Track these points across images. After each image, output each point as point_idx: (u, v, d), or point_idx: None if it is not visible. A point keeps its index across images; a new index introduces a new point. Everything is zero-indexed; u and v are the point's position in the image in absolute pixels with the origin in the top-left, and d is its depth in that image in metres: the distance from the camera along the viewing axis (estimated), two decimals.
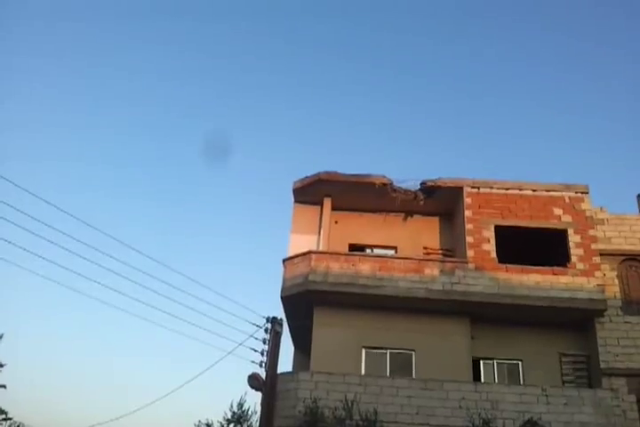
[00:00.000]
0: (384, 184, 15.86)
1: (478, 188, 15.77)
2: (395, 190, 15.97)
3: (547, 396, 12.81)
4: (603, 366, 13.78)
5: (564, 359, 14.47)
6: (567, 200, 15.52)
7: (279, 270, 15.13)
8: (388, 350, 14.06)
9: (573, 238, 15.09)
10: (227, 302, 13.13)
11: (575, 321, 14.56)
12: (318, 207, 16.54)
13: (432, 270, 14.59)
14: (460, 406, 12.46)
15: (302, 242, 15.73)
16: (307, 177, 16.13)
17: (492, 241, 15.04)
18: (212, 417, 12.41)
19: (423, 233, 16.60)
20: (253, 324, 13.41)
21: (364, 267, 14.56)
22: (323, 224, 16.24)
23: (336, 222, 16.54)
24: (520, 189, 15.66)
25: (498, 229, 15.18)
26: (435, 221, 16.84)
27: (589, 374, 14.27)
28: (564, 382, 14.12)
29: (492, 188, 15.75)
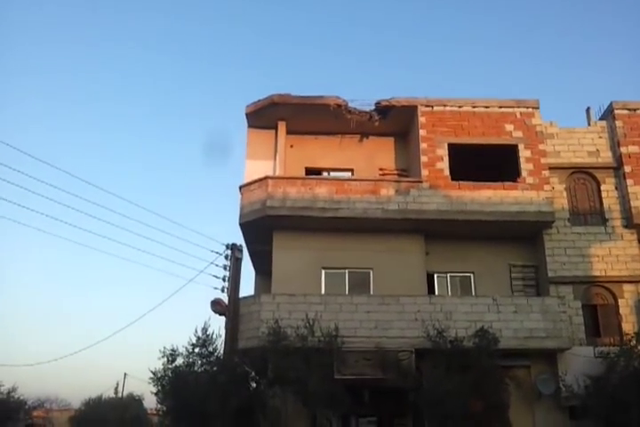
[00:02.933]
0: (338, 105, 15.44)
1: (432, 106, 15.50)
2: (349, 111, 15.56)
3: (497, 305, 13.02)
4: (550, 274, 14.00)
5: (513, 270, 14.70)
6: (518, 116, 15.33)
7: (237, 198, 15.00)
8: (347, 270, 14.18)
9: (524, 153, 15.00)
10: (187, 231, 12.83)
11: (525, 234, 14.68)
12: (273, 131, 16.16)
13: (388, 191, 14.55)
14: (416, 319, 12.65)
15: (258, 168, 15.44)
16: (259, 100, 15.63)
17: (446, 159, 14.96)
18: (178, 343, 12.35)
19: (378, 154, 16.40)
20: (214, 251, 13.25)
21: (321, 190, 14.47)
22: (278, 149, 15.87)
23: (291, 146, 16.17)
24: (473, 107, 15.43)
25: (451, 147, 15.08)
26: (390, 141, 16.60)
27: (537, 283, 14.55)
28: (513, 292, 14.40)
29: (445, 106, 15.49)
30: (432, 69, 43.15)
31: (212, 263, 13.21)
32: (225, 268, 13.48)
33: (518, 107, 15.40)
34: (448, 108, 15.41)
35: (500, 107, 15.40)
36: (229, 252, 13.54)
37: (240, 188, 15.02)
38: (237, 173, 16.14)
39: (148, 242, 12.32)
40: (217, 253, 13.37)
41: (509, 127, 15.22)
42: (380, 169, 16.24)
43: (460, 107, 15.44)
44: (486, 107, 15.40)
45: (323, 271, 14.17)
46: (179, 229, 12.32)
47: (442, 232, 14.40)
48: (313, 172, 16.04)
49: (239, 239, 15.43)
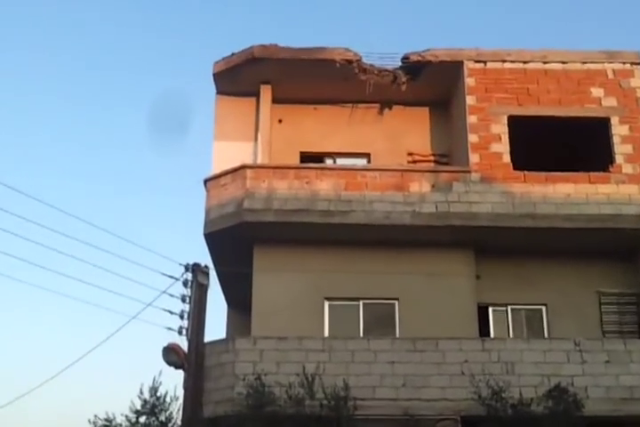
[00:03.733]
0: (348, 61, 15.53)
1: (484, 62, 15.60)
2: (364, 70, 15.69)
3: (581, 352, 12.96)
4: None
5: (604, 301, 14.68)
6: (611, 75, 15.48)
7: (201, 196, 15.15)
8: (361, 301, 14.24)
9: (618, 130, 15.12)
10: (126, 245, 12.90)
11: (621, 248, 14.67)
12: (253, 100, 16.31)
13: (420, 186, 14.61)
14: (463, 373, 12.63)
15: (232, 153, 15.58)
16: (234, 54, 15.72)
17: (505, 139, 15.05)
18: (115, 408, 12.41)
19: (406, 133, 16.47)
20: (167, 275, 13.21)
21: (324, 185, 14.59)
22: (261, 125, 15.99)
23: (280, 122, 16.40)
24: (544, 62, 15.55)
25: (513, 121, 15.11)
26: (422, 114, 16.75)
27: None
28: (604, 333, 14.36)
29: (504, 61, 15.59)
30: (483, 16, 43.09)
31: (164, 293, 13.20)
32: (184, 299, 13.48)
33: (611, 62, 15.51)
34: (508, 65, 15.48)
35: (584, 62, 15.55)
36: (190, 275, 13.53)
37: (205, 182, 15.10)
38: (201, 162, 16.28)
39: (69, 261, 12.27)
40: (172, 277, 13.36)
41: (598, 92, 15.32)
42: (410, 154, 16.35)
43: (525, 62, 15.51)
44: (563, 62, 15.51)
45: (326, 303, 14.29)
46: (113, 241, 12.38)
47: (500, 246, 14.46)
48: (311, 158, 16.11)
49: (204, 257, 15.31)
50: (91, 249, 12.42)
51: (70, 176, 38.20)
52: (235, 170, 14.78)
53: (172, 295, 13.38)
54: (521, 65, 15.50)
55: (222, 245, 14.63)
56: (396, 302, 14.28)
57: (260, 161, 15.46)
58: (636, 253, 14.85)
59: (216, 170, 15.25)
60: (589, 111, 15.16)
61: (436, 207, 14.41)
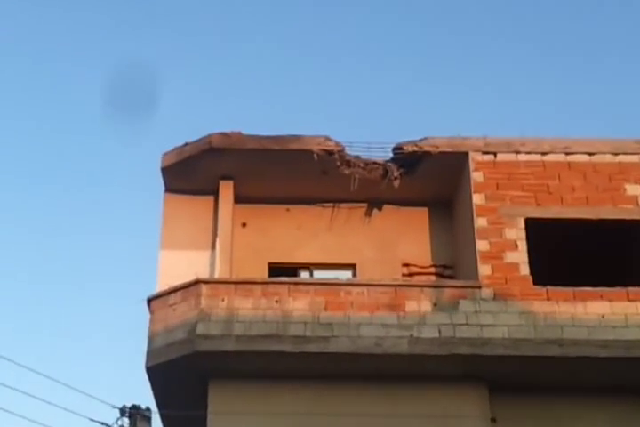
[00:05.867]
0: (329, 152, 15.85)
1: (494, 153, 15.84)
2: (348, 162, 15.96)
3: None
4: None
5: None
6: None
7: (143, 318, 15.10)
8: None
9: None
10: (47, 381, 12.73)
11: None
12: (211, 199, 16.59)
13: (419, 305, 14.55)
14: None
15: (183, 264, 15.73)
16: (187, 144, 16.03)
17: (523, 246, 15.06)
18: None
19: (401, 239, 16.72)
20: (95, 421, 13.00)
21: (299, 304, 14.54)
22: (220, 230, 16.13)
23: (244, 226, 16.69)
24: (567, 154, 15.82)
25: (531, 224, 15.17)
26: (420, 215, 17.02)
27: None
28: None
29: (518, 152, 15.82)
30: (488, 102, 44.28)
31: None
32: None
33: None
34: (523, 157, 15.71)
35: (616, 153, 15.77)
36: (126, 422, 13.33)
37: (149, 301, 15.02)
38: (146, 275, 16.72)
39: None
40: (102, 424, 13.14)
41: (633, 189, 15.47)
42: (405, 265, 16.44)
43: (543, 154, 15.76)
44: (590, 153, 15.75)
45: None
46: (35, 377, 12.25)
47: (519, 380, 14.44)
48: (283, 271, 16.01)
49: (145, 397, 15.22)
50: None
51: None
52: (186, 286, 14.76)
53: None
54: (539, 157, 15.70)
55: (169, 380, 14.54)
56: None
57: (218, 274, 15.52)
58: None
59: (162, 286, 15.20)
60: (623, 213, 15.28)
61: (440, 332, 14.34)
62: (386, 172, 16.07)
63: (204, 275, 15.37)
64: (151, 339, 14.61)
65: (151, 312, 14.93)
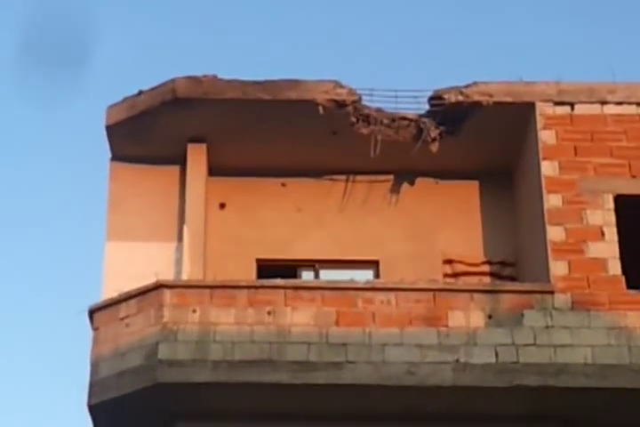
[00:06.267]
0: (340, 103, 14.42)
1: (571, 104, 14.29)
2: (367, 117, 14.48)
3: None
4: None
5: None
6: None
7: (83, 337, 13.87)
8: None
9: None
10: None
11: None
12: (176, 170, 15.17)
13: (468, 317, 13.18)
14: None
15: (138, 261, 14.40)
16: (141, 93, 14.55)
17: (612, 234, 13.51)
18: None
19: (441, 225, 15.28)
20: None
21: (299, 317, 13.11)
22: (189, 213, 14.71)
23: (222, 207, 15.25)
24: None
25: (623, 203, 13.75)
26: (467, 191, 15.60)
27: None
28: None
29: (604, 102, 14.28)
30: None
31: None
32: None
33: None
34: (612, 109, 14.31)
35: None
36: None
37: (90, 313, 13.60)
38: (88, 271, 15.82)
39: None
40: None
41: None
42: (448, 261, 15.06)
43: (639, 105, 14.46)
44: None
45: None
46: None
47: (607, 421, 13.18)
48: (277, 270, 14.60)
49: None
50: None
51: None
52: (143, 291, 13.37)
53: None
54: (634, 109, 14.31)
55: (120, 423, 13.55)
56: None
57: (187, 276, 14.20)
58: None
59: (109, 291, 13.81)
60: None
61: (497, 355, 12.80)
62: (420, 130, 14.62)
63: (168, 276, 14.10)
64: (95, 366, 13.36)
65: (94, 329, 13.68)
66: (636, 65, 33.69)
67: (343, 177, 15.52)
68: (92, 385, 13.00)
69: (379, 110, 14.53)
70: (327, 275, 14.82)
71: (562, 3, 42.21)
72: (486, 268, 15.05)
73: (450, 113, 14.56)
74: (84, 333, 13.90)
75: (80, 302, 14.57)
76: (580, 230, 13.55)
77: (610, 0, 42.27)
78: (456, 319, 12.98)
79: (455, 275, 14.83)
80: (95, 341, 13.34)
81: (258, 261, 14.95)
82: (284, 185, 15.38)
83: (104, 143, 15.31)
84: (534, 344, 12.79)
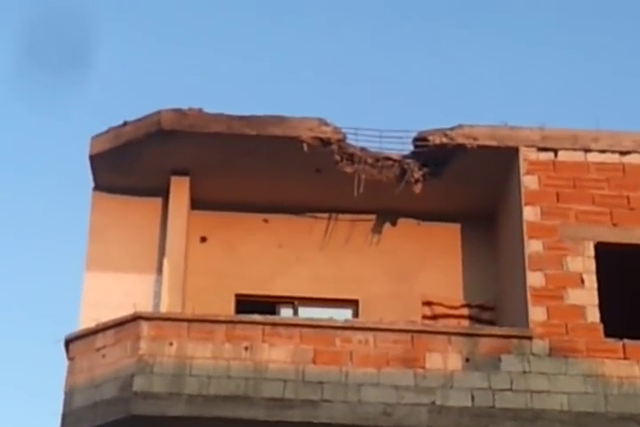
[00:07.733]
0: (325, 141, 14.45)
1: (555, 150, 14.43)
2: (351, 156, 14.50)
3: None
4: None
5: None
6: None
7: (58, 367, 13.83)
8: None
9: None
10: None
11: None
12: (158, 203, 15.22)
13: (445, 360, 13.16)
14: None
15: (116, 292, 14.42)
16: (126, 124, 14.53)
17: (592, 282, 13.61)
18: None
19: (421, 267, 15.30)
20: None
21: (277, 354, 13.10)
22: (170, 245, 14.77)
23: (203, 241, 15.29)
24: None
25: (604, 251, 13.81)
26: (448, 234, 15.65)
27: None
28: None
29: (588, 150, 14.39)
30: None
31: None
32: None
33: None
34: (595, 157, 14.41)
35: None
36: None
37: (67, 343, 13.53)
38: (66, 301, 16.19)
39: None
40: None
41: None
42: (427, 303, 15.06)
43: (623, 153, 14.45)
44: None
45: None
46: None
47: None
48: (256, 306, 14.59)
49: None
50: None
51: None
52: (121, 322, 13.31)
53: None
54: (617, 157, 14.38)
55: None
56: None
57: (165, 308, 14.15)
58: None
59: (87, 321, 13.78)
60: None
61: (473, 399, 12.80)
62: (403, 171, 14.72)
63: (146, 308, 14.06)
64: (69, 396, 13.25)
65: (70, 358, 13.56)
66: (621, 113, 34.42)
67: (325, 215, 15.57)
68: (65, 415, 12.96)
69: (363, 150, 14.62)
70: (306, 312, 14.80)
71: (549, 50, 42.77)
72: (465, 311, 15.09)
73: (434, 155, 14.62)
74: (60, 362, 13.89)
75: (57, 330, 14.41)
76: (559, 277, 13.64)
77: (596, 48, 43.53)
78: (433, 361, 13.01)
79: (434, 317, 14.84)
80: (70, 370, 13.34)
81: (237, 296, 14.98)
82: (266, 221, 15.44)
83: (87, 172, 15.22)
84: (511, 389, 12.82)
